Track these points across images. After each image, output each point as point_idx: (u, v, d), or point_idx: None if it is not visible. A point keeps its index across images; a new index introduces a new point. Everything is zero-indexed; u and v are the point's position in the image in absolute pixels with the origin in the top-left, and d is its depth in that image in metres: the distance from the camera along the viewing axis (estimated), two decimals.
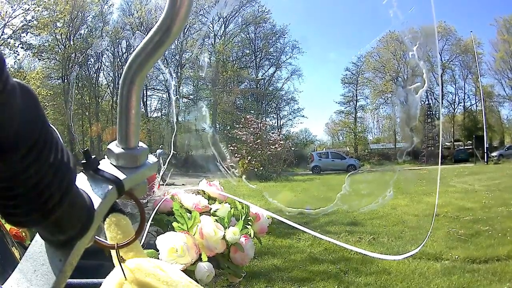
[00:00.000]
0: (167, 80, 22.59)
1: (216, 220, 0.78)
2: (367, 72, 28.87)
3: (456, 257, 3.94)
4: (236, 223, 0.81)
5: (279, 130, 27.49)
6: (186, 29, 24.20)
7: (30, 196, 0.24)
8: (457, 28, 26.47)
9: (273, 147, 17.31)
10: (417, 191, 8.57)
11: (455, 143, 26.88)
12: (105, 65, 25.68)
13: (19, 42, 21.36)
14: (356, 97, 29.05)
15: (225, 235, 0.76)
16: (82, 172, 0.34)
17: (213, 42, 26.73)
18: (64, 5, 22.03)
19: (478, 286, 3.19)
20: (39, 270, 0.30)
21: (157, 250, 0.69)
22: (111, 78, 25.47)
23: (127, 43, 24.51)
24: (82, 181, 0.33)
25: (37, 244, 0.31)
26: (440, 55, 25.50)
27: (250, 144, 17.13)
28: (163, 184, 0.88)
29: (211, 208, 0.83)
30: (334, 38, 37.82)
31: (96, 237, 0.35)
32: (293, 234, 4.84)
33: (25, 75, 21.27)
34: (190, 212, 0.77)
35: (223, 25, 27.00)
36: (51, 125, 0.25)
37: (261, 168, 16.03)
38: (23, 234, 0.85)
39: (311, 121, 38.44)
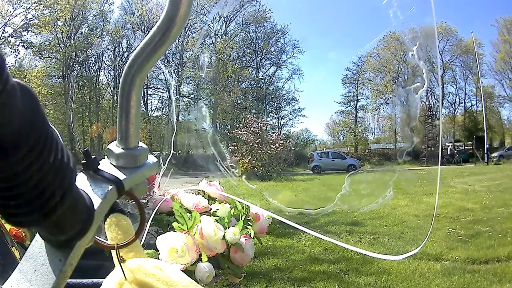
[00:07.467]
0: (167, 79, 22.55)
1: (216, 220, 0.78)
2: (367, 72, 28.91)
3: (457, 257, 3.93)
4: (236, 223, 0.81)
5: (280, 129, 27.58)
6: (187, 28, 24.20)
7: (31, 196, 0.24)
8: (458, 29, 26.52)
9: (274, 146, 17.29)
10: (418, 192, 8.55)
11: (455, 143, 26.86)
12: (105, 64, 25.73)
13: (20, 41, 21.39)
14: (357, 97, 29.12)
15: (225, 235, 0.76)
16: (82, 172, 0.34)
17: (213, 41, 26.73)
18: (65, 4, 22.04)
19: (478, 287, 3.18)
20: (39, 270, 0.30)
21: (157, 250, 0.69)
22: (111, 77, 25.51)
23: (128, 42, 24.54)
24: (82, 181, 0.33)
25: (37, 244, 0.31)
26: (441, 56, 25.53)
27: (251, 144, 17.12)
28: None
29: (211, 208, 0.83)
30: (334, 38, 37.82)
31: (96, 237, 0.35)
32: (293, 234, 4.84)
33: (25, 73, 21.31)
34: (190, 212, 0.77)
35: (224, 24, 27.02)
36: (51, 125, 0.25)
37: (261, 168, 16.01)
38: (23, 234, 0.85)
39: (312, 120, 38.48)
